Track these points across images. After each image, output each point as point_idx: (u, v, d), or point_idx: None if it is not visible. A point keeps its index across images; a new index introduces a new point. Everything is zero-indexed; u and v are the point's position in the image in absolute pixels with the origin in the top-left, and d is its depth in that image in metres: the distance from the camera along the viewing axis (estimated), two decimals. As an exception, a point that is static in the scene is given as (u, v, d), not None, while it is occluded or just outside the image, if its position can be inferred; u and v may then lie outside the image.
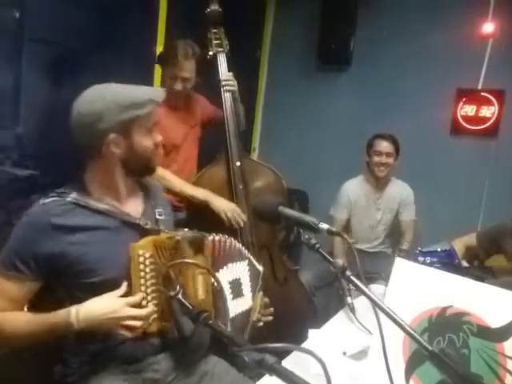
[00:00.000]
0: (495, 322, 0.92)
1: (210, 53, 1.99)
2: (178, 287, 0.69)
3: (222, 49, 1.99)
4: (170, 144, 1.93)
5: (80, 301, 1.01)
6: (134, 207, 1.16)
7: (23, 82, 2.12)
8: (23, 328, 1.01)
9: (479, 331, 0.93)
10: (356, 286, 0.85)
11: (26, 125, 2.18)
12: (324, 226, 0.94)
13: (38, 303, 1.08)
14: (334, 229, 0.94)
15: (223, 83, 1.97)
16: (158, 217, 1.18)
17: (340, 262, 0.87)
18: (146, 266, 1.02)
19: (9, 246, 1.04)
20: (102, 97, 1.06)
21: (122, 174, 1.12)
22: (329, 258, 0.90)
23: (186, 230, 1.12)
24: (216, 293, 1.05)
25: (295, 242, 2.81)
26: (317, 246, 0.93)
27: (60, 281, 1.05)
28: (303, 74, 3.44)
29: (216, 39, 1.99)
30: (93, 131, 1.05)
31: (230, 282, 1.15)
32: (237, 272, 1.20)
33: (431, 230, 2.55)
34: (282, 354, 1.06)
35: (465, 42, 2.86)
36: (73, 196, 1.06)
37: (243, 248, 1.25)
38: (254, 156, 3.60)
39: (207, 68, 1.99)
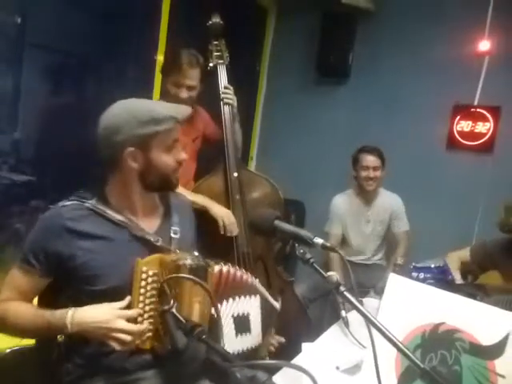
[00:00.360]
0: (487, 339, 0.93)
1: (211, 64, 2.00)
2: (172, 301, 0.69)
3: (222, 61, 2.01)
4: None
5: (84, 305, 1.03)
6: (149, 222, 1.17)
7: (22, 86, 2.14)
8: (24, 319, 1.04)
9: (471, 348, 0.94)
10: (349, 301, 0.85)
11: (24, 130, 2.19)
12: (319, 240, 0.95)
13: (47, 301, 1.11)
14: (328, 244, 0.95)
15: (222, 95, 1.98)
16: (172, 235, 1.18)
17: (334, 277, 0.88)
18: (147, 283, 1.02)
19: (27, 241, 1.10)
20: (123, 110, 1.09)
21: (139, 188, 1.14)
22: (323, 272, 0.91)
23: (196, 254, 1.10)
24: (213, 321, 1.02)
25: (291, 253, 2.81)
26: (311, 260, 0.94)
27: (67, 282, 1.08)
28: (302, 86, 3.47)
29: (217, 51, 2.01)
30: (111, 143, 1.08)
31: (234, 317, 1.13)
32: (244, 307, 1.17)
33: (427, 244, 2.56)
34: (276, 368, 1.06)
35: (462, 58, 2.90)
36: (91, 202, 1.10)
37: (257, 282, 1.21)
38: (252, 165, 3.62)
39: (207, 81, 2.00)
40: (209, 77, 2.01)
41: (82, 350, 1.07)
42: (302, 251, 0.95)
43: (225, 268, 1.11)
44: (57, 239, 1.06)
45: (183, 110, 1.15)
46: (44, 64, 2.23)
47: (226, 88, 1.99)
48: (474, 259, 1.89)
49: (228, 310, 1.13)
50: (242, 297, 1.16)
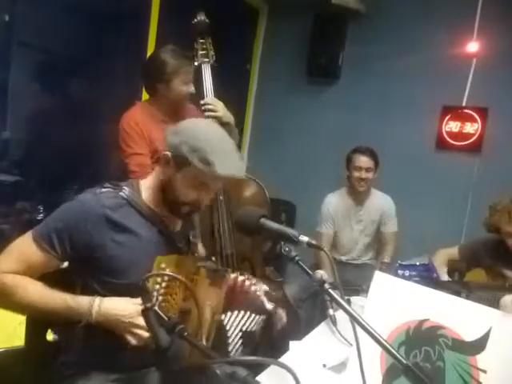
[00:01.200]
0: (469, 335, 0.94)
1: (196, 63, 1.98)
2: (154, 299, 0.69)
3: (207, 59, 1.99)
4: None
5: (99, 295, 1.03)
6: (173, 222, 1.19)
7: (11, 86, 2.12)
8: (38, 298, 1.01)
9: (454, 344, 0.95)
10: (333, 299, 0.86)
11: (13, 130, 2.17)
12: (304, 238, 0.95)
13: (51, 280, 1.08)
14: (313, 241, 0.95)
15: (203, 107, 1.94)
16: (191, 238, 1.22)
17: (319, 274, 0.88)
18: (163, 280, 1.03)
19: (52, 221, 1.06)
20: (197, 127, 1.13)
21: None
22: (308, 270, 0.91)
23: (213, 259, 1.14)
24: (219, 327, 1.07)
25: (281, 253, 2.81)
26: (297, 258, 0.94)
27: (87, 271, 1.07)
28: (292, 87, 3.48)
29: (202, 49, 1.99)
30: (166, 140, 1.11)
31: (242, 331, 1.15)
32: (253, 325, 1.19)
33: (415, 243, 2.59)
34: (262, 366, 1.06)
35: (450, 60, 2.94)
36: (125, 192, 1.10)
37: (266, 301, 1.21)
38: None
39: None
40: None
41: (88, 343, 1.06)
42: (287, 249, 0.95)
43: (241, 277, 1.14)
44: (93, 227, 1.04)
45: (233, 169, 1.10)
46: (32, 63, 2.22)
47: (207, 100, 1.94)
48: (462, 257, 1.92)
49: (238, 322, 1.16)
50: (253, 315, 1.20)
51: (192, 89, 1.90)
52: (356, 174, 2.51)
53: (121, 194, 1.10)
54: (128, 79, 2.59)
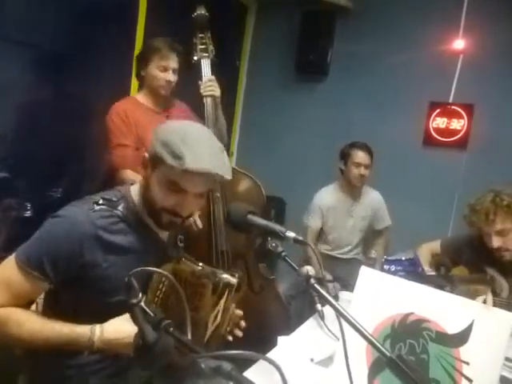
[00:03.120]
0: (452, 328, 0.96)
1: (195, 58, 1.95)
2: (140, 295, 0.69)
3: (206, 54, 1.95)
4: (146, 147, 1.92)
5: (95, 315, 0.98)
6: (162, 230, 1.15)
7: (-4, 83, 2.09)
8: (41, 332, 0.96)
9: (437, 337, 0.97)
10: (319, 293, 0.87)
11: (-1, 127, 2.14)
12: (291, 234, 0.96)
13: (50, 307, 1.06)
14: (300, 237, 0.96)
15: (205, 87, 1.93)
16: (179, 243, 1.19)
17: (304, 270, 0.89)
18: (161, 291, 1.02)
19: (40, 245, 0.98)
20: (175, 126, 1.05)
21: None
22: (294, 265, 0.92)
23: (201, 265, 1.11)
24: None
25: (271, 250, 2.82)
26: (283, 253, 0.95)
27: (81, 291, 1.02)
28: (282, 83, 3.49)
29: (202, 44, 1.96)
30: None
31: None
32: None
33: (403, 238, 2.62)
34: (251, 361, 1.07)
35: (437, 57, 2.97)
36: (120, 209, 1.05)
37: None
38: (233, 161, 3.62)
39: (190, 75, 1.97)
40: (192, 70, 1.97)
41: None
42: (273, 244, 0.96)
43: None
44: (86, 248, 0.98)
45: (207, 165, 0.97)
46: (19, 59, 2.18)
47: (210, 80, 1.94)
48: (444, 252, 1.94)
49: None
50: None
51: (170, 77, 1.90)
52: (355, 170, 2.51)
53: (116, 212, 1.04)
54: (116, 76, 2.57)
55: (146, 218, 1.09)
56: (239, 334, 1.22)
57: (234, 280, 1.11)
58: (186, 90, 2.06)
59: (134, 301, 0.67)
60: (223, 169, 1.01)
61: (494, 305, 1.40)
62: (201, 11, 1.95)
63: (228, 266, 1.90)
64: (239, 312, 1.24)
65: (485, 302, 1.36)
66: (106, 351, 0.98)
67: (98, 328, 0.96)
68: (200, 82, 1.95)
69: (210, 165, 0.97)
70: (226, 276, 1.10)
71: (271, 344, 1.31)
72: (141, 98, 1.99)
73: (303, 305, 2.54)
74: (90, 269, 1.00)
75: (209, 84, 1.94)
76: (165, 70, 1.91)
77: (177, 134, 0.99)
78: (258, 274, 2.09)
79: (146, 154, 1.06)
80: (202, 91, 1.93)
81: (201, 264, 1.13)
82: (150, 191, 1.04)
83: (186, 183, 1.00)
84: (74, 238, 0.98)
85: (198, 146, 0.98)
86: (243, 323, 1.24)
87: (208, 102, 1.94)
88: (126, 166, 1.85)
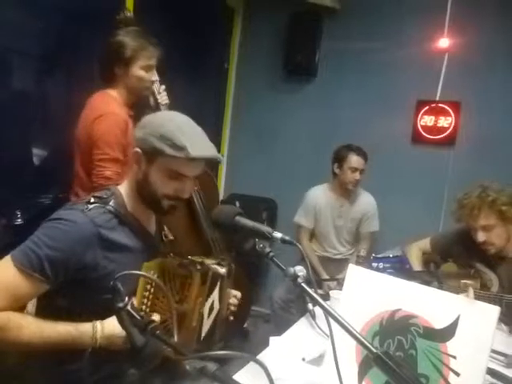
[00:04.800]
0: (439, 323, 0.97)
1: None
2: (126, 298, 0.70)
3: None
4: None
5: (97, 313, 0.99)
6: (151, 225, 1.18)
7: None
8: (42, 334, 0.96)
9: (425, 332, 0.98)
10: (307, 293, 0.87)
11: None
12: (278, 234, 0.97)
13: (47, 306, 1.06)
14: (287, 237, 0.97)
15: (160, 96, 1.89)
16: (164, 238, 1.21)
17: (291, 270, 0.90)
18: (150, 292, 1.03)
19: (40, 246, 0.98)
20: (162, 117, 1.11)
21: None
22: (282, 266, 0.93)
23: (190, 258, 1.13)
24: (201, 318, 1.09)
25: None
26: (270, 254, 0.96)
27: (81, 290, 1.03)
28: (271, 85, 3.50)
29: None
30: (135, 137, 1.09)
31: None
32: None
33: (393, 236, 2.64)
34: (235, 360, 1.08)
35: (423, 56, 3.00)
36: (112, 205, 1.07)
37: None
38: (223, 163, 3.62)
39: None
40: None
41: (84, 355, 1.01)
42: (261, 245, 0.97)
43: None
44: (86, 247, 1.00)
45: (205, 151, 1.08)
46: (5, 64, 2.17)
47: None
48: (433, 249, 1.96)
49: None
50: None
51: (155, 77, 1.82)
52: (351, 175, 2.52)
53: (108, 207, 1.07)
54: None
55: (136, 212, 1.12)
56: (233, 308, 1.27)
57: (222, 270, 1.13)
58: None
59: (121, 305, 0.67)
60: (215, 151, 1.12)
61: (484, 299, 1.42)
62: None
63: (221, 251, 1.89)
64: (237, 293, 1.28)
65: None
66: (108, 347, 0.98)
67: (99, 324, 0.98)
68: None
69: (210, 150, 1.09)
70: (214, 266, 1.11)
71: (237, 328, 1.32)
72: (119, 99, 1.81)
73: (304, 307, 2.54)
74: (90, 268, 1.02)
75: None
76: (149, 70, 1.80)
77: (170, 125, 1.05)
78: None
79: (138, 150, 1.08)
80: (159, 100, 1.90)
81: (189, 257, 1.15)
82: (148, 183, 1.08)
83: (188, 170, 1.08)
84: (75, 240, 0.99)
85: (193, 133, 1.07)
86: (235, 300, 1.28)
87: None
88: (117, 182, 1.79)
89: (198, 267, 1.07)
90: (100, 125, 1.68)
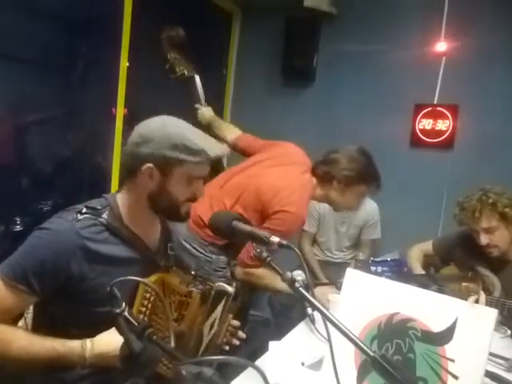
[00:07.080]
0: (437, 326, 0.97)
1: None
2: (123, 304, 0.70)
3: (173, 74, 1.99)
4: None
5: (86, 326, 0.97)
6: (152, 238, 1.16)
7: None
8: (30, 350, 0.95)
9: (423, 336, 0.98)
10: (304, 297, 0.87)
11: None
12: (275, 239, 0.97)
13: (40, 320, 1.05)
14: (284, 242, 0.97)
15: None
16: (169, 251, 1.19)
17: (289, 274, 0.90)
18: (149, 301, 1.02)
19: (26, 259, 0.97)
20: (161, 126, 1.05)
21: (148, 206, 1.10)
22: (279, 270, 0.93)
23: (193, 274, 1.12)
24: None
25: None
26: (268, 259, 0.96)
27: (69, 303, 1.01)
28: (269, 89, 3.51)
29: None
30: (135, 153, 1.04)
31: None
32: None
33: (392, 239, 2.64)
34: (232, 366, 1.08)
35: (421, 59, 3.01)
36: (105, 217, 1.05)
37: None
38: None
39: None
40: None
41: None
42: (258, 250, 0.97)
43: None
44: (71, 259, 0.97)
45: (219, 149, 1.10)
46: (3, 71, 2.18)
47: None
48: (436, 252, 1.95)
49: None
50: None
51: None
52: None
53: (100, 220, 1.04)
54: (102, 89, 2.58)
55: (133, 224, 1.10)
56: (236, 342, 1.24)
57: (230, 289, 1.11)
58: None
59: (118, 310, 0.67)
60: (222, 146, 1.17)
61: (487, 304, 1.41)
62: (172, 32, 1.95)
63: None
64: (236, 322, 1.24)
65: (477, 301, 1.37)
66: (98, 365, 0.97)
67: (88, 343, 0.96)
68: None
69: (219, 148, 1.11)
70: (221, 284, 1.10)
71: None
72: None
73: (303, 311, 2.53)
74: (76, 280, 0.99)
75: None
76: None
77: (175, 133, 1.04)
78: None
79: (151, 165, 1.03)
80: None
81: (193, 272, 1.14)
82: (167, 193, 1.07)
83: (203, 171, 1.09)
84: (59, 251, 0.97)
85: (197, 134, 1.08)
86: (241, 333, 1.26)
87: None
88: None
89: (200, 286, 1.04)
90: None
